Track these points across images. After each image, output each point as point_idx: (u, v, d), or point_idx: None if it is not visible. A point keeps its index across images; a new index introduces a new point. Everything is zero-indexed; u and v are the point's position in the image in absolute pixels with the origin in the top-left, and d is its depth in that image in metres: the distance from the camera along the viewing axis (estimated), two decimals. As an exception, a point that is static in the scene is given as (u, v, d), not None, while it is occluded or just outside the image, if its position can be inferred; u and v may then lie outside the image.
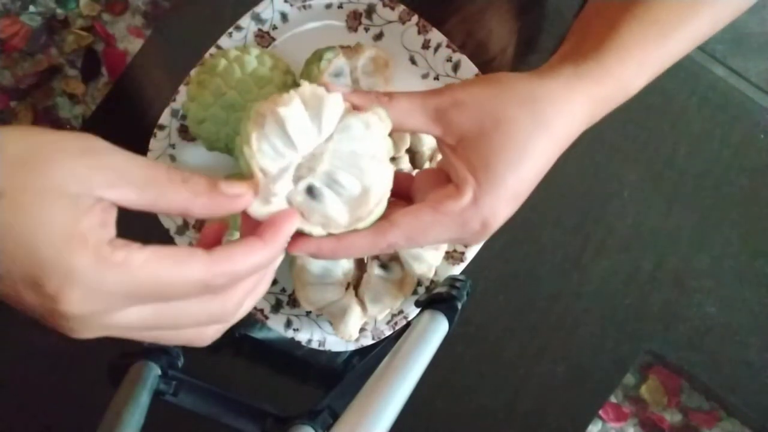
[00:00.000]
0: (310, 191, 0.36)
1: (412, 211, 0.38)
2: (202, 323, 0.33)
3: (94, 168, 0.29)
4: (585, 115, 0.39)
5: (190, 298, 0.31)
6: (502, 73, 0.40)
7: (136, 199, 0.30)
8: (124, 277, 0.28)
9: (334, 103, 0.36)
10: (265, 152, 0.35)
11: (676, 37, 0.40)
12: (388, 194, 0.38)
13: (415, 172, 0.54)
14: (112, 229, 0.30)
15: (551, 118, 0.38)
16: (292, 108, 0.35)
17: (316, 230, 0.37)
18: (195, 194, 0.31)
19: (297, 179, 0.36)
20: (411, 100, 0.39)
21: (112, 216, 0.30)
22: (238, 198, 0.33)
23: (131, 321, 0.30)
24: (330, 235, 0.37)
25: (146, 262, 0.29)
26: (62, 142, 0.29)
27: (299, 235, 0.37)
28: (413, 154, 0.56)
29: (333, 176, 0.36)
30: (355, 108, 0.38)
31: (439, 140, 0.39)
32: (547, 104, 0.38)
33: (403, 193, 0.41)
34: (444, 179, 0.40)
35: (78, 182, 0.28)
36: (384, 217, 0.38)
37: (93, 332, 0.30)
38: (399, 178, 0.41)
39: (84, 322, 0.29)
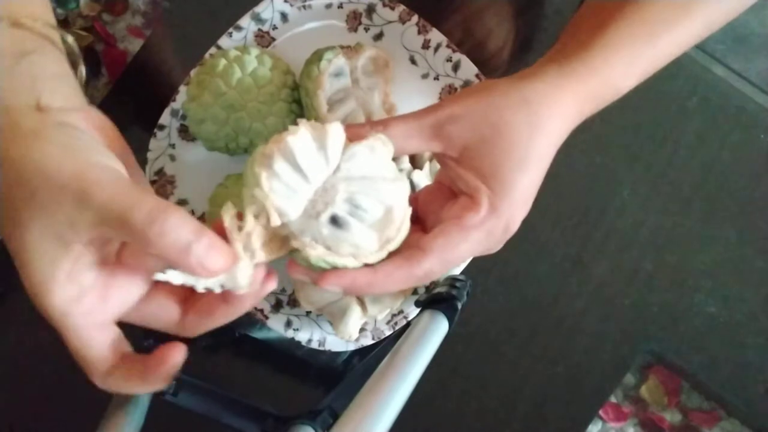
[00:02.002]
0: (335, 221, 0.35)
1: (440, 233, 0.38)
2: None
3: (81, 209, 0.32)
4: (574, 113, 0.39)
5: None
6: (491, 81, 0.40)
7: (113, 235, 0.33)
8: (59, 328, 0.34)
9: (337, 132, 0.36)
10: (277, 191, 0.34)
11: (667, 38, 0.40)
12: (409, 211, 0.38)
13: (415, 173, 0.54)
14: (87, 279, 0.34)
15: (545, 118, 0.38)
16: (300, 137, 0.34)
17: (349, 262, 0.36)
18: (166, 246, 0.32)
19: (315, 215, 0.36)
20: (406, 122, 0.39)
21: (92, 257, 0.34)
22: (206, 270, 0.33)
23: None
24: (365, 265, 0.37)
25: (79, 337, 0.34)
26: (66, 181, 0.32)
27: (332, 269, 0.37)
28: (413, 155, 0.56)
29: (354, 202, 0.36)
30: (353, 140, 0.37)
31: (441, 155, 0.39)
32: (539, 105, 0.38)
33: (412, 216, 0.41)
34: (447, 192, 0.40)
35: (70, 230, 0.32)
36: (407, 244, 0.38)
37: None
38: None
39: None
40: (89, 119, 0.36)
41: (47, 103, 0.35)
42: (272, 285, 0.36)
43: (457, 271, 0.56)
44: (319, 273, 0.37)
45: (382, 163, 0.37)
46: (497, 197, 0.37)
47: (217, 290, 0.34)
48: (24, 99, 0.35)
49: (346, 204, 0.36)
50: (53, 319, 0.34)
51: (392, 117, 0.39)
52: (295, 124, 0.53)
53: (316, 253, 0.35)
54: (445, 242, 0.37)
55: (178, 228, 0.31)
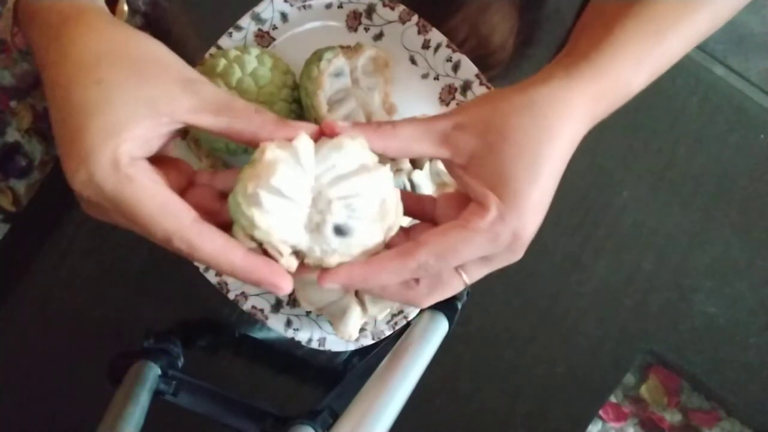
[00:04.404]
0: (339, 231, 0.36)
1: (440, 229, 0.38)
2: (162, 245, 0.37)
3: (186, 94, 0.36)
4: (585, 114, 0.39)
5: (153, 236, 0.36)
6: (496, 90, 0.40)
7: (212, 123, 0.37)
8: (116, 187, 0.35)
9: (305, 144, 0.36)
10: (275, 225, 0.35)
11: (674, 35, 0.40)
12: (398, 193, 0.38)
13: (415, 173, 0.54)
14: (153, 146, 0.37)
15: (552, 121, 0.37)
16: (281, 174, 0.35)
17: (363, 258, 0.37)
18: (264, 122, 0.37)
19: (316, 228, 0.36)
20: (414, 126, 0.39)
21: (168, 135, 0.37)
22: (299, 128, 0.37)
23: (114, 217, 0.37)
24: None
25: (141, 189, 0.35)
26: (171, 65, 0.37)
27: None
28: (413, 154, 0.56)
29: (350, 207, 0.36)
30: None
31: (449, 162, 0.39)
32: (545, 108, 0.38)
33: (428, 217, 0.41)
34: (466, 201, 0.40)
35: (167, 104, 0.36)
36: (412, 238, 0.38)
37: (86, 207, 0.38)
38: (423, 201, 0.42)
39: (80, 196, 0.36)
40: None
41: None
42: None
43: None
44: (318, 272, 0.38)
45: (355, 153, 0.37)
46: (505, 205, 0.37)
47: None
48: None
49: (343, 209, 0.36)
50: (111, 165, 0.34)
51: (400, 120, 0.39)
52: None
53: (333, 261, 0.37)
54: (443, 239, 0.37)
55: (270, 113, 0.38)
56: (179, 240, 0.35)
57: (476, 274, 0.40)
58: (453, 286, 0.39)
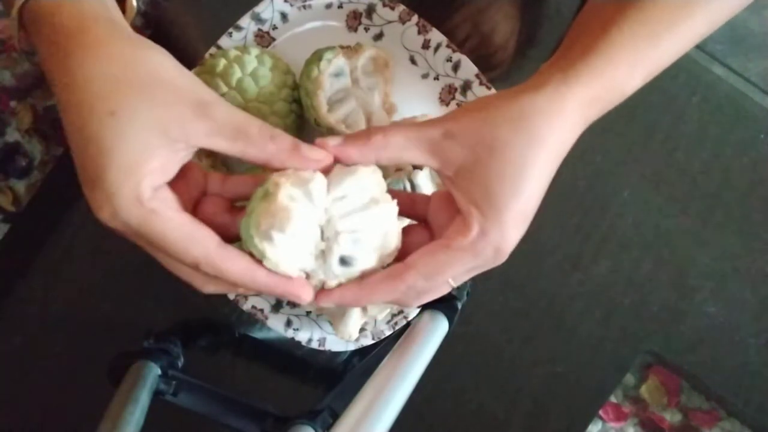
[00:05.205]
0: (344, 261, 0.38)
1: (427, 251, 0.39)
2: (187, 280, 0.39)
3: (200, 118, 0.36)
4: (578, 121, 0.39)
5: (180, 264, 0.37)
6: (490, 96, 0.40)
7: (226, 148, 0.37)
8: (142, 222, 0.35)
9: (320, 183, 0.37)
10: (284, 258, 0.37)
11: (669, 37, 0.40)
12: (400, 225, 0.40)
13: (415, 173, 0.54)
14: (171, 172, 0.37)
15: (545, 133, 0.37)
16: (296, 220, 0.36)
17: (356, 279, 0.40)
18: (278, 150, 0.37)
19: (321, 255, 0.38)
20: (405, 133, 0.39)
21: (185, 159, 0.38)
22: (314, 162, 0.38)
23: (141, 244, 0.38)
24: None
25: (166, 221, 0.36)
26: (183, 87, 0.37)
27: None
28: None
29: (357, 241, 0.38)
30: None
31: (437, 172, 0.39)
32: (538, 120, 0.37)
33: (421, 217, 0.42)
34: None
35: (180, 130, 0.36)
36: (398, 258, 0.40)
37: (116, 231, 0.37)
38: (417, 200, 0.42)
39: (108, 225, 0.36)
40: None
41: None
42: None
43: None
44: (315, 293, 0.40)
45: (370, 184, 0.38)
46: (487, 221, 0.37)
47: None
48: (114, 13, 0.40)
49: (350, 241, 0.38)
50: (135, 202, 0.35)
51: (392, 125, 0.40)
52: (296, 123, 0.54)
53: (334, 284, 0.39)
54: (430, 261, 0.38)
55: (286, 138, 0.38)
56: (206, 265, 0.36)
57: (461, 279, 0.40)
58: (440, 291, 0.40)
